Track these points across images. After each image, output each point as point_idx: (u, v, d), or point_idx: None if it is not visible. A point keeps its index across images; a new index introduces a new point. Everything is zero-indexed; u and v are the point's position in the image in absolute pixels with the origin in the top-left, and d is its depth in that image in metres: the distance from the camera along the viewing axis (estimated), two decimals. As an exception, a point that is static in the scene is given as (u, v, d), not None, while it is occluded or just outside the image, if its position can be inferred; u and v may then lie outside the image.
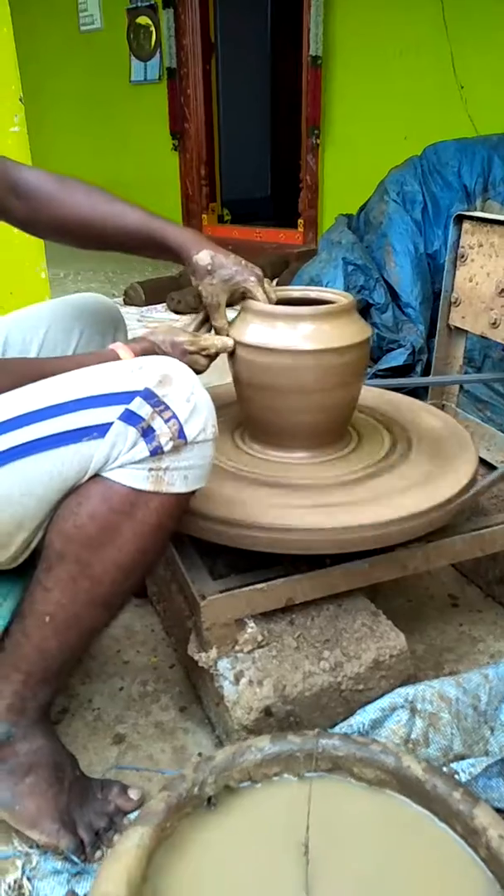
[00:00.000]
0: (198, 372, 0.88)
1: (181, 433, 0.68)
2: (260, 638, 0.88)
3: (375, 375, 1.95)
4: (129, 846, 0.54)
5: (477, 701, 0.92)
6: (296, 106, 4.00)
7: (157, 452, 0.68)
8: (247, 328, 0.90)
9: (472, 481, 0.94)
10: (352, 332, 0.90)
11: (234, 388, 1.00)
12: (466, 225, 1.22)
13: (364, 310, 2.01)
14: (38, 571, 0.73)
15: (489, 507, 1.12)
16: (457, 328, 1.30)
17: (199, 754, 0.94)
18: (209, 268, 0.89)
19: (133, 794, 0.82)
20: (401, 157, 2.40)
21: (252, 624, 0.89)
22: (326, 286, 1.93)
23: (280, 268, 3.36)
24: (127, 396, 0.67)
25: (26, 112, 1.83)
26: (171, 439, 0.68)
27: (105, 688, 1.04)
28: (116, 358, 0.79)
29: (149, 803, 0.58)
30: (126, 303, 3.18)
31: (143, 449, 0.68)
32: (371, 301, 2.02)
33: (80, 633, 0.76)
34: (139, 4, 4.44)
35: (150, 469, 0.69)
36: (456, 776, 0.82)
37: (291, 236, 4.19)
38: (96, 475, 0.69)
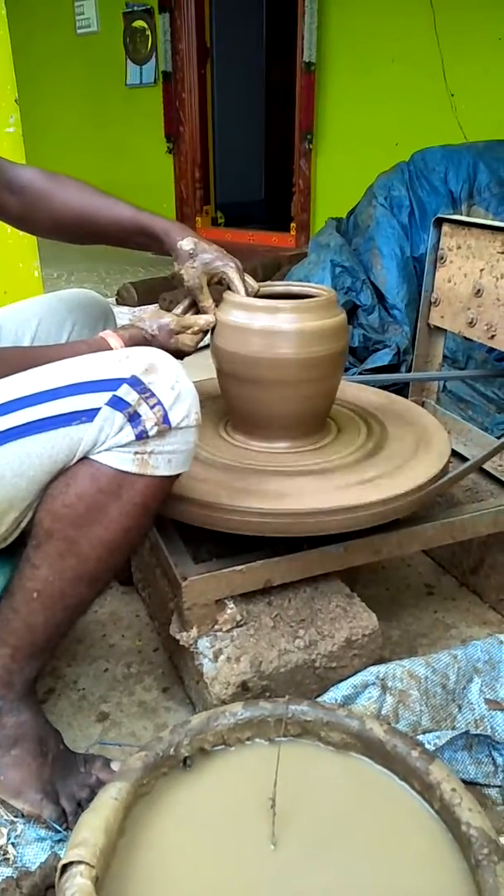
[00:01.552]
0: (185, 354, 0.92)
1: (165, 419, 0.72)
2: (239, 618, 0.92)
3: (361, 374, 2.00)
4: (106, 798, 0.58)
5: (445, 680, 0.96)
6: (289, 111, 4.06)
7: (142, 437, 0.72)
8: (228, 320, 0.94)
9: (444, 471, 0.98)
10: (331, 325, 0.94)
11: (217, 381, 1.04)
12: (446, 227, 1.26)
13: (351, 311, 2.05)
14: (27, 549, 0.77)
15: (462, 499, 1.16)
16: (436, 327, 1.34)
17: (180, 731, 0.97)
18: (191, 252, 0.94)
19: (115, 767, 0.85)
20: (392, 162, 2.45)
21: (231, 604, 0.93)
22: (314, 287, 1.97)
23: (272, 270, 3.41)
24: (115, 383, 0.71)
25: (21, 113, 1.87)
26: (155, 424, 0.72)
27: (90, 669, 1.08)
28: (106, 345, 0.83)
29: (127, 761, 0.62)
30: (119, 303, 3.22)
31: (129, 433, 0.71)
32: (358, 302, 2.07)
33: (66, 609, 0.79)
34: (135, 8, 4.49)
35: (136, 452, 0.73)
36: (423, 749, 0.86)
37: (284, 239, 4.24)
38: (84, 458, 0.73)
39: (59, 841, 0.80)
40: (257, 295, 0.99)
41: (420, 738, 0.86)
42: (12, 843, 0.82)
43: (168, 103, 4.55)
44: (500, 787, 0.89)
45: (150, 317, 0.91)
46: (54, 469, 0.73)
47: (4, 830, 0.83)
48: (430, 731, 0.92)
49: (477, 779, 0.89)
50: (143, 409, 0.72)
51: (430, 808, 0.60)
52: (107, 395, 0.71)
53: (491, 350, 1.96)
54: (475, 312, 1.22)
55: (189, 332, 0.92)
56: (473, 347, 1.97)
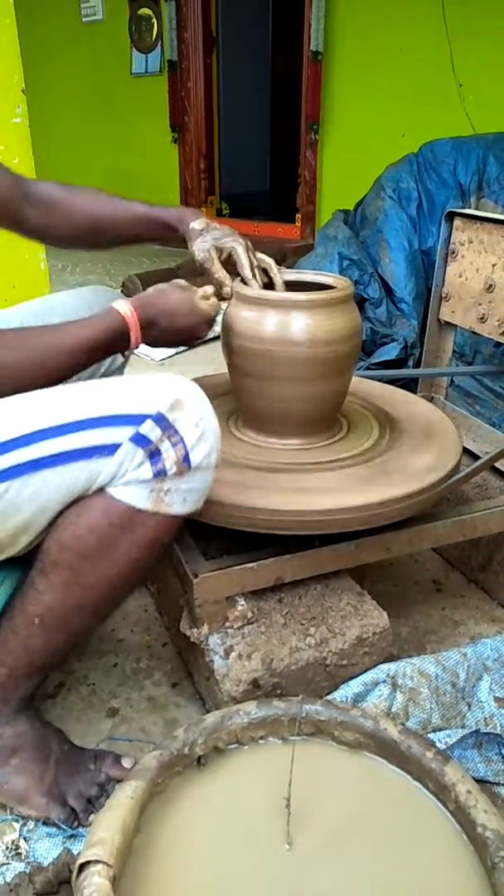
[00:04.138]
0: (204, 322, 0.91)
1: (186, 458, 0.71)
2: (250, 615, 0.91)
3: (369, 369, 1.99)
4: (122, 797, 0.58)
5: (455, 678, 0.96)
6: (295, 101, 4.02)
7: (160, 475, 0.71)
8: (240, 315, 0.93)
9: (456, 469, 0.97)
10: (345, 321, 0.93)
11: (228, 377, 1.03)
12: (457, 221, 1.25)
13: (358, 304, 2.04)
14: (32, 573, 0.76)
15: (472, 496, 1.16)
16: (446, 322, 1.34)
17: (190, 726, 0.98)
18: (202, 230, 0.96)
19: (126, 763, 0.86)
20: (399, 153, 2.43)
21: (242, 601, 0.92)
22: (322, 280, 1.96)
23: (277, 261, 3.39)
24: (139, 419, 0.70)
25: (27, 103, 1.86)
26: (175, 463, 0.71)
27: (100, 664, 1.08)
28: (118, 315, 0.82)
29: (142, 759, 0.62)
30: (124, 294, 3.20)
31: (147, 470, 0.70)
32: (365, 296, 2.06)
33: (67, 636, 0.79)
34: (141, -4, 4.45)
35: (152, 490, 0.71)
36: (433, 747, 0.86)
37: (289, 231, 4.21)
38: (100, 489, 0.72)
39: (72, 836, 0.80)
40: (269, 286, 0.99)
41: (431, 736, 0.86)
42: (24, 838, 0.82)
43: (173, 93, 4.51)
44: (510, 785, 0.89)
45: (169, 285, 0.91)
46: (69, 499, 0.72)
47: (17, 826, 0.83)
48: (441, 730, 0.92)
49: (487, 777, 0.89)
50: (165, 447, 0.70)
51: (445, 810, 0.60)
52: (130, 431, 0.69)
53: (499, 345, 1.95)
54: (487, 308, 1.21)
55: (207, 297, 0.91)
56: (481, 342, 1.96)
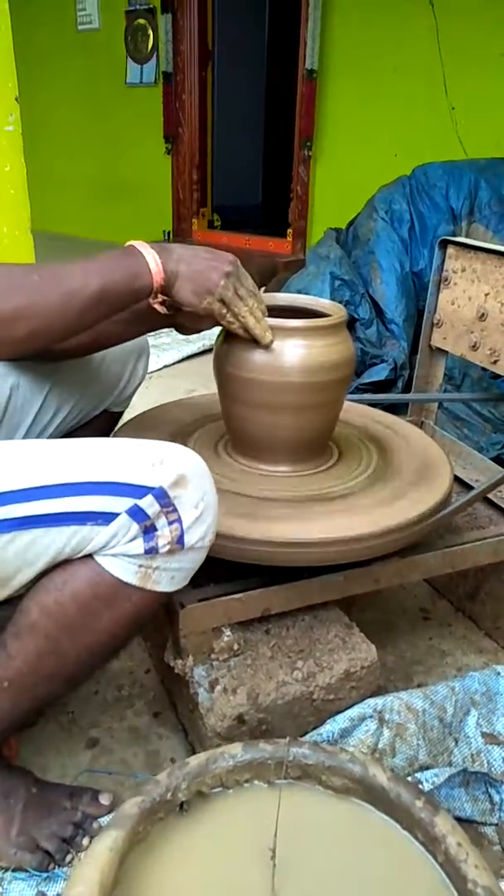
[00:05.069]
0: (232, 263, 0.82)
1: (181, 539, 0.69)
2: (236, 646, 0.90)
3: (357, 389, 1.99)
4: (101, 849, 0.55)
5: (443, 713, 0.95)
6: (289, 117, 4.04)
7: (152, 552, 0.69)
8: (232, 341, 0.92)
9: (447, 500, 0.97)
10: (339, 349, 0.92)
11: (217, 399, 1.02)
12: (451, 249, 1.25)
13: (349, 324, 2.04)
14: (5, 634, 0.73)
15: (462, 525, 1.15)
16: (438, 348, 1.33)
17: (172, 759, 0.95)
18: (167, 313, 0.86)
19: (104, 800, 0.83)
20: (390, 173, 2.45)
21: (228, 632, 0.91)
22: (313, 299, 1.96)
23: (268, 276, 3.40)
24: (140, 491, 0.67)
25: (20, 111, 1.84)
26: (168, 543, 0.69)
27: (80, 692, 1.05)
28: (137, 254, 0.77)
29: (122, 807, 0.60)
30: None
31: (139, 545, 0.68)
32: (356, 316, 2.06)
33: (34, 703, 0.77)
34: (138, 7, 4.45)
35: (141, 566, 0.69)
36: (420, 786, 0.84)
37: (280, 245, 4.22)
38: (89, 555, 0.70)
39: (46, 878, 0.77)
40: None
41: (418, 775, 0.85)
42: (-4, 880, 0.79)
43: (168, 104, 4.51)
44: (496, 825, 0.88)
45: (225, 260, 0.81)
46: (56, 560, 0.70)
47: (-10, 866, 0.80)
48: (428, 767, 0.90)
49: (473, 816, 0.87)
50: (161, 524, 0.68)
51: (434, 861, 0.58)
52: (128, 502, 0.67)
53: (486, 368, 1.96)
54: (479, 336, 1.21)
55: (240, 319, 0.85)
56: (470, 365, 1.97)
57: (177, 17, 4.29)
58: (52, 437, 1.06)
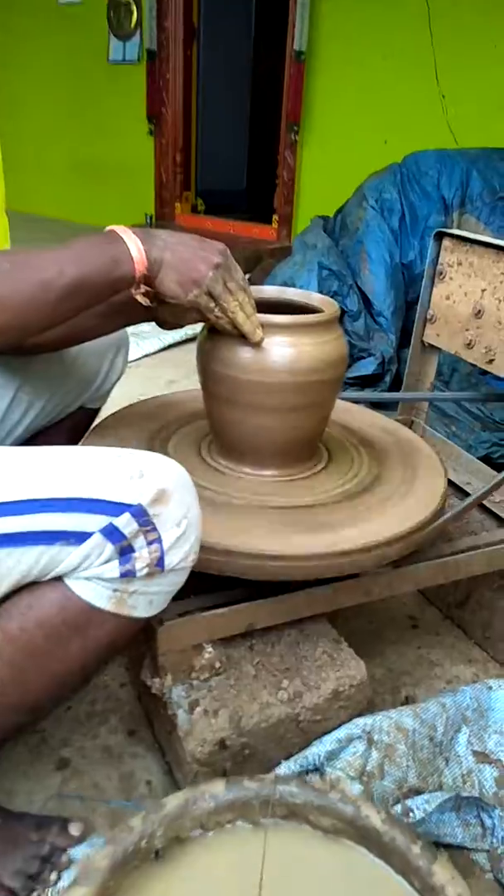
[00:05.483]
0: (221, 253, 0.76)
1: (160, 562, 0.63)
2: (218, 664, 0.84)
3: (345, 383, 1.93)
4: (67, 909, 0.50)
5: (433, 731, 0.90)
6: (276, 101, 3.94)
7: (128, 575, 0.62)
8: (217, 338, 0.85)
9: (442, 509, 0.92)
10: (331, 347, 0.87)
11: (201, 396, 0.96)
12: (446, 242, 1.20)
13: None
14: None
15: (452, 530, 1.11)
16: (430, 345, 1.28)
17: (148, 782, 0.90)
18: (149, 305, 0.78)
19: (74, 830, 0.78)
20: (379, 160, 2.38)
21: (210, 649, 0.85)
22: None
23: (253, 264, 3.32)
24: (116, 508, 0.60)
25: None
26: (147, 566, 0.62)
27: (51, 706, 0.99)
28: (118, 240, 0.70)
29: (92, 858, 0.54)
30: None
31: (114, 568, 0.62)
32: (344, 308, 2.00)
33: None
34: (121, -19, 4.30)
35: (116, 590, 0.63)
36: (411, 813, 0.80)
37: (265, 232, 4.13)
38: (59, 577, 0.63)
39: (11, 917, 0.72)
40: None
41: (409, 802, 0.81)
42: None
43: (151, 83, 4.37)
44: (487, 851, 0.84)
45: (210, 249, 0.74)
46: (22, 583, 0.63)
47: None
48: (418, 790, 0.86)
49: (465, 843, 0.83)
50: (139, 544, 0.62)
51: (433, 915, 0.54)
52: (103, 521, 0.60)
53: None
54: (474, 334, 1.16)
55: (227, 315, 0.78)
56: (460, 361, 1.93)
57: (161, -7, 4.16)
58: (22, 436, 0.99)
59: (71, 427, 1.08)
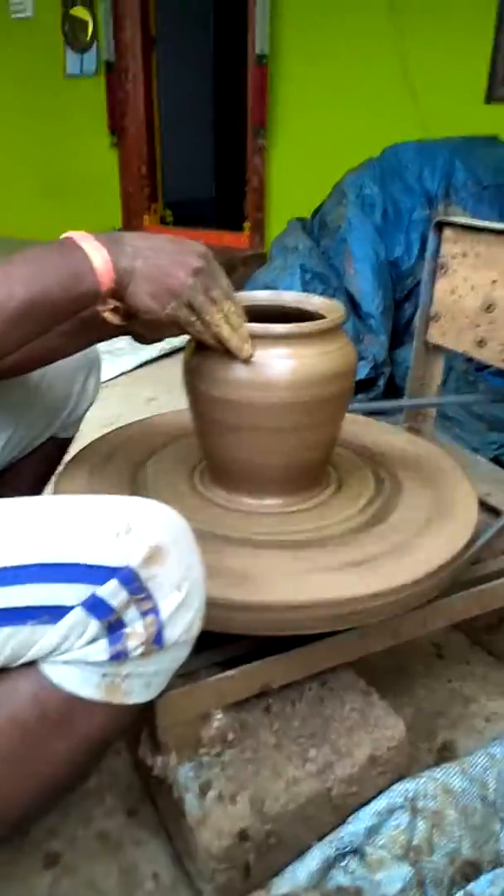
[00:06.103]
0: (203, 257, 0.65)
1: (158, 637, 0.51)
2: (230, 735, 0.71)
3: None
4: None
5: (485, 790, 0.78)
6: (240, 105, 3.85)
7: (119, 657, 0.50)
8: (206, 352, 0.73)
9: (469, 545, 0.79)
10: (337, 358, 0.75)
11: (188, 414, 0.83)
12: (448, 232, 1.09)
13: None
14: None
15: (480, 553, 0.99)
16: (435, 346, 1.17)
17: (154, 875, 0.76)
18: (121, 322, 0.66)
19: None
20: (350, 159, 2.29)
21: (219, 716, 0.72)
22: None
23: (227, 272, 3.20)
24: (100, 574, 0.49)
25: None
26: (142, 643, 0.50)
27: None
28: (76, 250, 0.58)
29: None
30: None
31: (102, 650, 0.50)
32: (330, 311, 1.89)
33: None
34: (74, -8, 4.20)
35: (105, 674, 0.51)
36: (472, 900, 0.68)
37: (237, 240, 4.03)
38: (33, 662, 0.51)
39: None
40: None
41: (470, 888, 0.68)
42: None
43: (111, 95, 4.26)
44: None
45: (182, 251, 0.63)
46: None
47: None
48: (473, 863, 0.74)
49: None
50: (131, 617, 0.50)
51: None
52: (85, 591, 0.48)
53: (470, 359, 1.81)
54: (486, 330, 1.05)
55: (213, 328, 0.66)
56: (454, 357, 1.82)
57: (116, 3, 4.06)
58: None
59: (42, 459, 0.95)
